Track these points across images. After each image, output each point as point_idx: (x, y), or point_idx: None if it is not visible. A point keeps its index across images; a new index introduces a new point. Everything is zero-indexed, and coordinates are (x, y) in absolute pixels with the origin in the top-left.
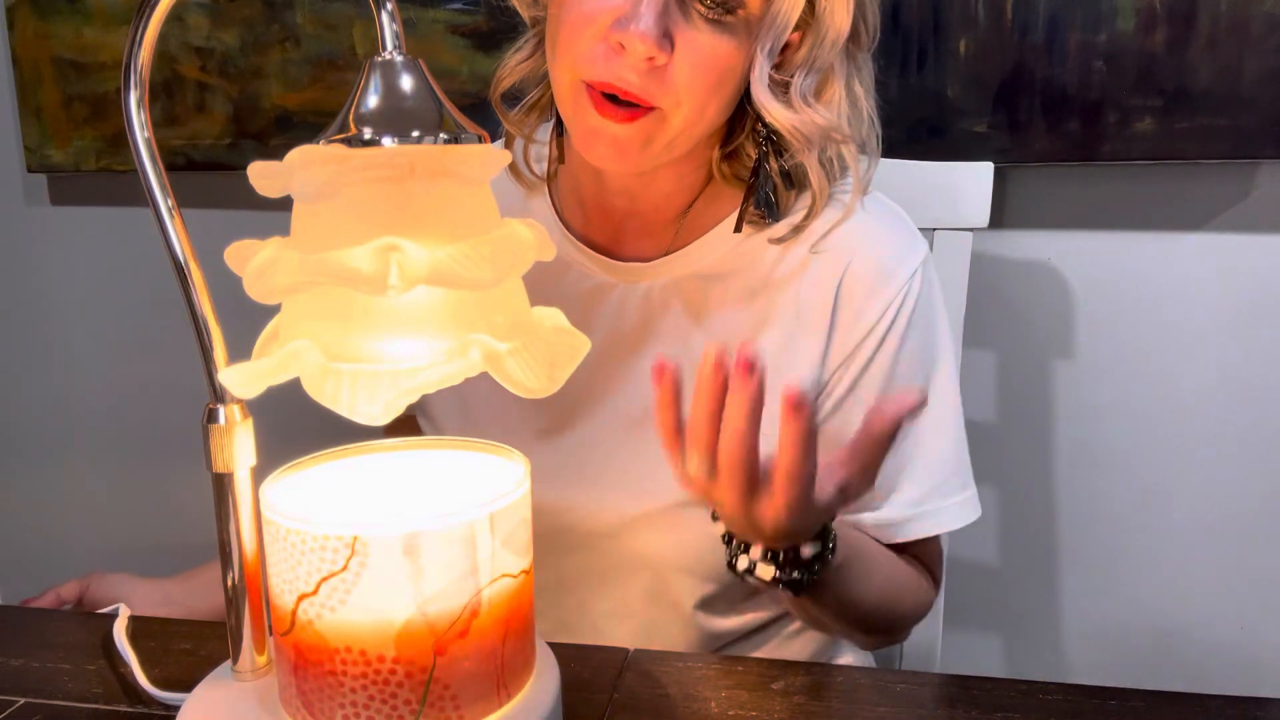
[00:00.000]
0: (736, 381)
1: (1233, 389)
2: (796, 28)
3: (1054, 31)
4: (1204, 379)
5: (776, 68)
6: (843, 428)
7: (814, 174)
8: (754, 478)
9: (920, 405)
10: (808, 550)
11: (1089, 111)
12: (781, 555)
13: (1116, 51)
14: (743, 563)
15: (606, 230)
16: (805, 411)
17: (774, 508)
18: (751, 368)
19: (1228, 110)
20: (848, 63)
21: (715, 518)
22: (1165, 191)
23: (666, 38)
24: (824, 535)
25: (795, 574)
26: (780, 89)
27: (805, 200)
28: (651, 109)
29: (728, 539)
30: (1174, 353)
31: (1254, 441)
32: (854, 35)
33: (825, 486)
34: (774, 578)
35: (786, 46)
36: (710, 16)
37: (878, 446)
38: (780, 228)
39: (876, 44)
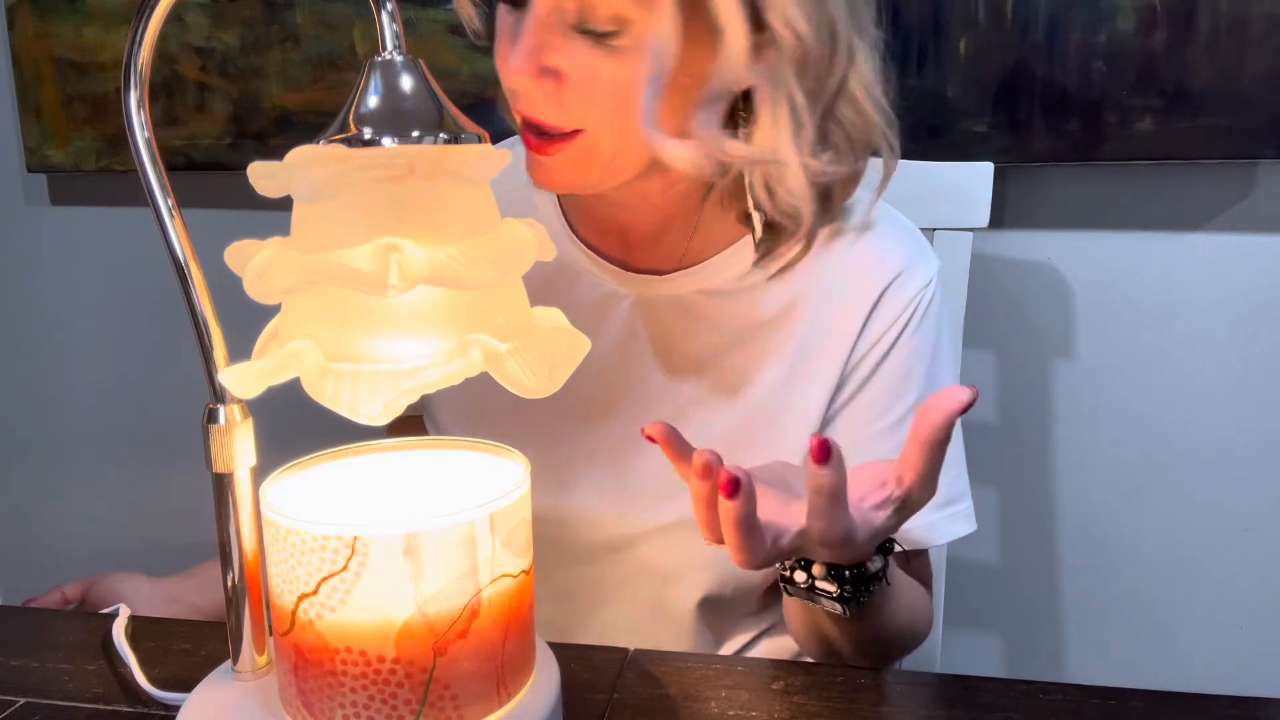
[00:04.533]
0: (721, 499)
1: (1233, 389)
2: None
3: (1054, 31)
4: (1204, 379)
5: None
6: (847, 430)
7: (762, 201)
8: (776, 547)
9: (971, 401)
10: (875, 564)
11: (1089, 111)
12: (847, 572)
13: (1116, 51)
14: (800, 577)
15: (614, 241)
16: (831, 463)
17: (822, 537)
18: (734, 488)
19: (1228, 110)
20: (790, 82)
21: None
22: (1165, 191)
23: (547, 71)
24: (886, 549)
25: (855, 590)
26: (681, 118)
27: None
28: (572, 134)
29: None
30: (1174, 352)
31: (1254, 441)
32: (777, 47)
33: (885, 507)
34: (838, 594)
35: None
36: (589, 42)
37: (933, 450)
38: (771, 264)
39: (864, 70)
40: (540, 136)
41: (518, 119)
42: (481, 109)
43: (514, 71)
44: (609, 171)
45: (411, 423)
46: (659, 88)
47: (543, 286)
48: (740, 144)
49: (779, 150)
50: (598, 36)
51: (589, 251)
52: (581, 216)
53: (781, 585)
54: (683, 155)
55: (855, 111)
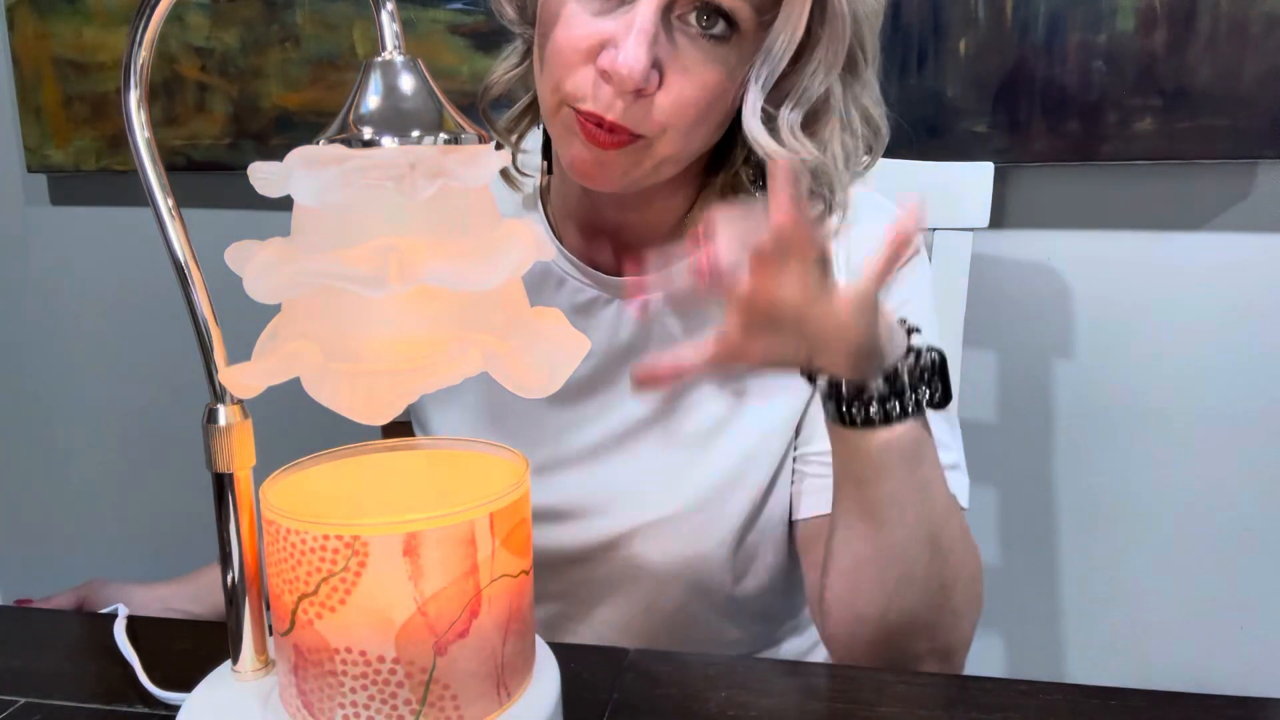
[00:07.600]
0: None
1: (1232, 389)
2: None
3: (1054, 31)
4: (1204, 379)
5: (767, 98)
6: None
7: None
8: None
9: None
10: (894, 348)
11: (1089, 111)
12: (883, 381)
13: (1116, 51)
14: (857, 410)
15: (599, 245)
16: (790, 176)
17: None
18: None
19: (1228, 110)
20: (844, 92)
21: (810, 377)
22: (1165, 191)
23: (655, 68)
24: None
25: (900, 396)
26: (768, 120)
27: None
28: (637, 137)
29: (830, 393)
30: (1174, 352)
31: (1254, 441)
32: (850, 64)
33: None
34: (876, 402)
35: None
36: (701, 45)
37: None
38: None
39: (878, 65)
40: (605, 131)
41: (572, 115)
42: None
43: (625, 67)
44: (652, 174)
45: (406, 425)
46: (766, 90)
47: (526, 290)
48: (811, 147)
49: (827, 163)
50: (713, 37)
51: (572, 257)
52: (567, 222)
53: (827, 426)
54: (775, 153)
55: (862, 115)
